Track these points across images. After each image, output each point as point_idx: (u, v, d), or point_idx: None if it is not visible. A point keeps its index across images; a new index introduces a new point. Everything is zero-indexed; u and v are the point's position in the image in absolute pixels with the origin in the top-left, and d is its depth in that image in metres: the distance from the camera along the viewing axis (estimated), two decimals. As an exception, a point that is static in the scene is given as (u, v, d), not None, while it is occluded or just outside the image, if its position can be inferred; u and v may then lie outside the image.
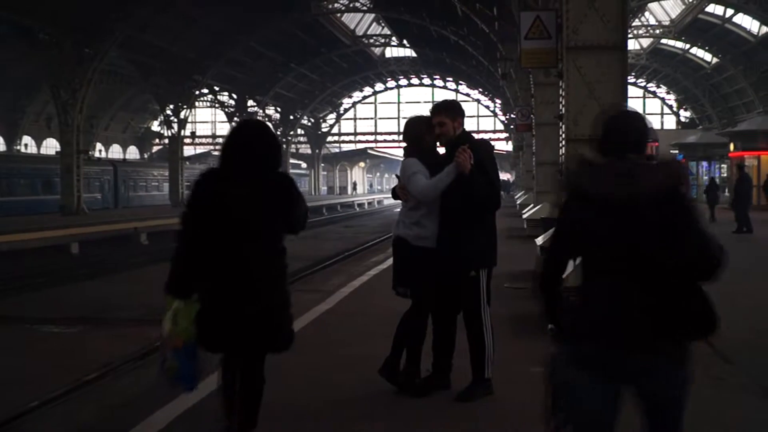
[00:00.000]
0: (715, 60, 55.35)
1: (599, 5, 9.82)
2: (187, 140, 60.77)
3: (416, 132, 5.81)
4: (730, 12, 46.31)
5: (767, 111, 46.10)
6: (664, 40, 55.78)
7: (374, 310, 9.53)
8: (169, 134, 52.50)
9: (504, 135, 70.22)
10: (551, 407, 3.37)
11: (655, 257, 2.93)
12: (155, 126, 78.97)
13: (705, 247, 2.93)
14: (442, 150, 5.83)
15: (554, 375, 3.39)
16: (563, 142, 10.17)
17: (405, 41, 60.47)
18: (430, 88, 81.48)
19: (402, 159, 5.97)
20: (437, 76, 77.56)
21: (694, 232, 2.95)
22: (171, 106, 50.53)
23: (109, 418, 5.62)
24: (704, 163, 44.27)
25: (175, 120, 50.89)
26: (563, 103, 10.20)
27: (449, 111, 5.75)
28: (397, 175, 5.96)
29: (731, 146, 39.03)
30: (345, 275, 13.88)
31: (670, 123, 71.98)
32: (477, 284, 5.61)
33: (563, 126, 10.21)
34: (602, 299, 3.09)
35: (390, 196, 6.72)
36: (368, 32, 60.93)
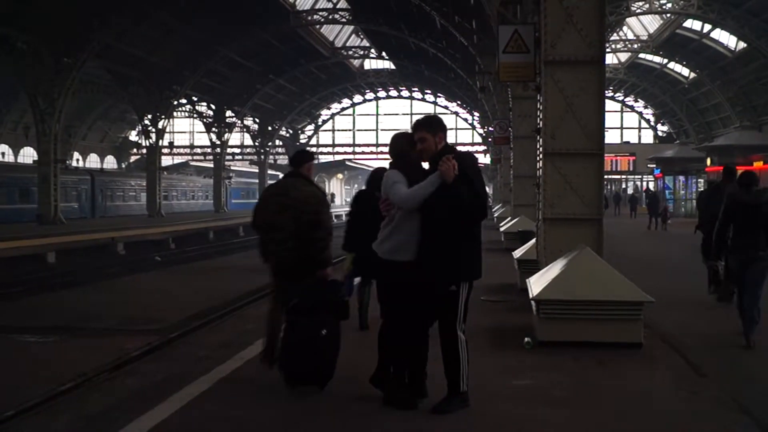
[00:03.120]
0: (692, 75, 55.78)
1: (577, 20, 9.86)
2: (165, 150, 60.46)
3: (400, 148, 5.87)
4: (707, 27, 46.70)
5: (744, 126, 46.54)
6: (642, 55, 56.22)
7: (354, 320, 9.47)
8: (147, 144, 52.26)
9: (482, 148, 70.28)
10: (727, 278, 9.24)
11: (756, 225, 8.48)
12: (133, 136, 78.59)
13: None
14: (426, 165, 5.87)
15: (729, 265, 8.96)
16: (540, 156, 10.19)
17: (384, 53, 60.53)
18: (409, 101, 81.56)
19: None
20: (416, 89, 77.66)
21: None
22: (149, 116, 50.30)
23: (85, 428, 5.55)
24: (681, 177, 44.69)
25: (153, 130, 50.67)
26: (541, 117, 10.23)
27: (429, 126, 5.77)
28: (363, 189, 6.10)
29: (708, 161, 39.40)
30: (323, 287, 13.81)
31: (648, 137, 72.46)
32: (456, 299, 5.58)
33: (541, 140, 10.23)
34: (740, 240, 8.59)
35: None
36: (347, 44, 60.90)
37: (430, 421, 5.47)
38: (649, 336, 8.15)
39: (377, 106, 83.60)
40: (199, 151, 79.21)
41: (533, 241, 12.46)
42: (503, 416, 5.64)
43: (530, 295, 8.34)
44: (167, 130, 55.34)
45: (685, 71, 56.76)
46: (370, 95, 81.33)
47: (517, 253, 12.77)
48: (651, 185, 54.31)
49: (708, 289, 11.67)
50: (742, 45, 45.32)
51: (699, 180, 41.84)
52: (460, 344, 5.61)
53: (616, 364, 7.29)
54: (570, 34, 9.85)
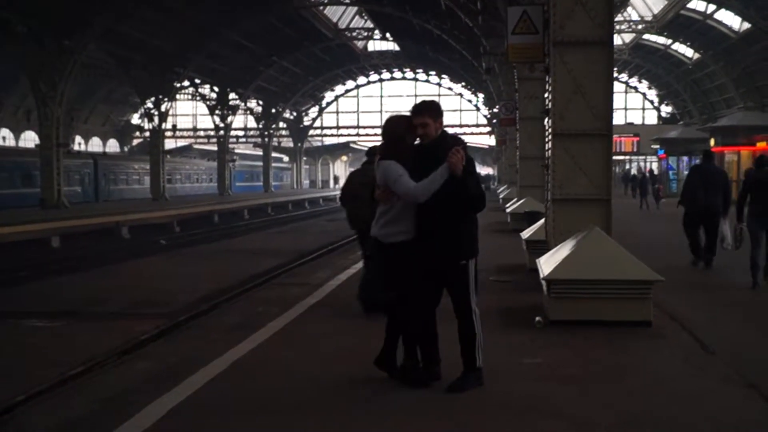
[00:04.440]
0: (696, 56, 55.57)
1: (586, 0, 9.84)
2: (168, 133, 60.46)
3: (397, 131, 5.79)
4: (712, 8, 46.43)
5: (747, 107, 46.43)
6: (646, 36, 55.96)
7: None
8: (150, 127, 52.21)
9: (486, 129, 70.31)
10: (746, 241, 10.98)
11: None
12: (135, 119, 78.48)
13: None
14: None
15: (750, 228, 10.82)
16: (550, 137, 10.19)
17: (388, 34, 60.37)
18: (413, 82, 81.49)
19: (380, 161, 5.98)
20: (420, 70, 77.53)
21: None
22: (152, 99, 50.23)
23: (102, 410, 5.59)
24: (685, 158, 44.57)
25: (156, 113, 50.60)
26: (550, 98, 10.20)
27: (432, 112, 5.76)
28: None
29: (712, 141, 39.25)
30: (331, 268, 13.87)
31: (652, 118, 72.31)
32: (466, 272, 5.70)
33: (550, 121, 10.22)
34: (759, 207, 10.76)
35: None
36: (351, 25, 60.74)
37: (444, 399, 5.52)
38: (658, 314, 8.19)
39: (381, 88, 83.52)
40: (202, 134, 79.18)
41: (541, 221, 12.47)
42: (515, 394, 5.68)
43: (541, 275, 8.38)
44: (170, 113, 55.27)
45: (689, 52, 56.53)
46: (374, 77, 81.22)
47: (526, 234, 12.79)
48: (654, 166, 54.31)
49: (692, 257, 13.24)
50: (746, 25, 45.07)
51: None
52: (475, 317, 5.72)
53: (625, 342, 7.34)
54: (579, 14, 9.82)
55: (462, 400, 5.51)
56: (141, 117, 61.79)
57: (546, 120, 10.67)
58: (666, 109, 70.68)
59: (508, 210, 21.92)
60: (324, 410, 5.40)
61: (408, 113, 5.85)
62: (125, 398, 5.78)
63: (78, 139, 67.90)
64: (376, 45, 69.21)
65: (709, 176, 13.15)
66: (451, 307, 5.81)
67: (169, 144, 65.01)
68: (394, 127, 5.84)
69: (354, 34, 61.90)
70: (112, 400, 5.80)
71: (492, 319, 7.81)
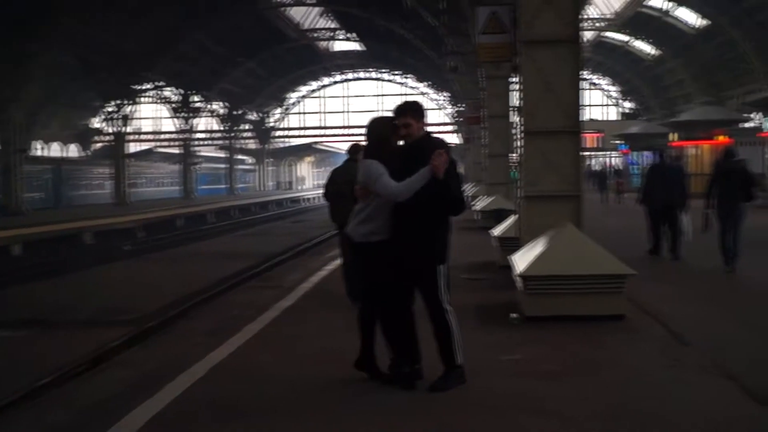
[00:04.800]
0: (656, 52, 56.38)
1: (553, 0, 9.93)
2: (131, 137, 59.86)
3: (382, 133, 5.81)
4: (670, 5, 47.23)
5: (706, 102, 47.15)
6: (606, 33, 56.58)
7: (336, 305, 9.52)
8: (112, 131, 51.65)
9: (451, 128, 70.46)
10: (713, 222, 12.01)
11: (739, 187, 11.80)
12: (97, 123, 77.50)
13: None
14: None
15: (718, 215, 11.89)
16: (521, 135, 10.25)
17: (352, 35, 60.35)
18: (377, 82, 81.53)
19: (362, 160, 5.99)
20: (384, 70, 77.59)
21: (751, 182, 12.08)
22: (114, 103, 49.69)
23: (83, 419, 5.53)
24: (646, 153, 45.09)
25: (118, 117, 50.08)
26: (520, 96, 10.28)
27: (415, 112, 5.79)
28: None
29: (673, 136, 39.83)
30: (302, 271, 13.81)
31: (613, 114, 73.10)
32: (436, 274, 5.71)
33: (521, 119, 10.30)
34: (725, 195, 11.80)
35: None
36: (315, 26, 60.60)
37: (427, 398, 5.54)
38: (630, 307, 8.31)
39: (346, 88, 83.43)
40: (165, 137, 78.48)
41: (512, 218, 12.56)
42: (497, 391, 5.72)
43: (515, 272, 8.45)
44: (132, 116, 54.74)
45: (649, 48, 57.34)
46: (338, 77, 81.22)
47: (497, 231, 12.85)
48: (617, 161, 55.04)
49: (649, 249, 14.02)
50: (704, 22, 45.90)
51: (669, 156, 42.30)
52: (448, 315, 5.73)
53: (601, 336, 7.43)
54: (547, 14, 9.89)
55: (444, 398, 5.52)
56: (103, 121, 61.10)
57: (517, 118, 10.74)
58: (627, 105, 71.46)
59: (476, 208, 22.00)
60: (307, 412, 5.39)
61: (391, 114, 5.87)
62: (106, 406, 5.70)
63: (38, 144, 66.87)
64: (341, 45, 69.20)
65: (667, 174, 14.08)
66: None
67: (132, 148, 64.37)
68: (378, 128, 5.86)
69: (318, 34, 61.79)
70: (93, 409, 5.72)
71: (468, 317, 7.82)
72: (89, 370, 7.81)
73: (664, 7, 48.17)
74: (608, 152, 61.19)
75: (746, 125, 39.21)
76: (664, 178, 13.94)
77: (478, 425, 5.06)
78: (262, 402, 5.64)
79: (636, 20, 51.02)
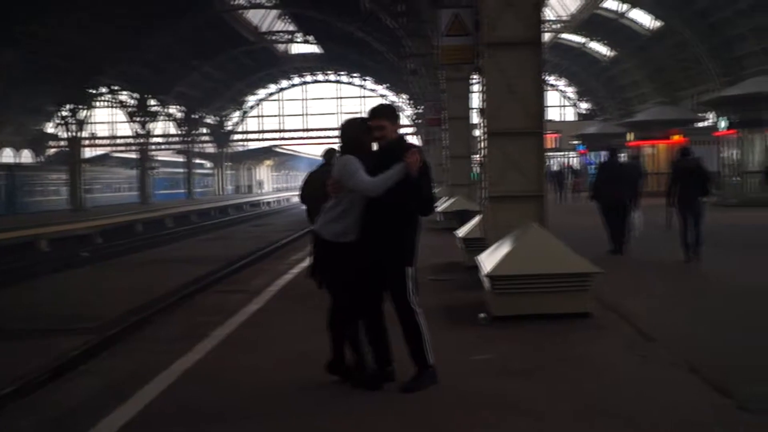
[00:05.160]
0: (611, 53, 57.15)
1: (515, 2, 10.01)
2: (86, 142, 59.12)
3: (355, 135, 5.84)
4: (625, 7, 47.96)
5: (661, 102, 47.95)
6: (563, 35, 57.15)
7: (306, 307, 9.48)
8: (67, 136, 50.97)
9: (411, 130, 70.65)
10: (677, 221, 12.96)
11: (696, 184, 12.74)
12: (51, 128, 76.42)
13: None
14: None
15: (678, 211, 12.82)
16: (485, 136, 10.33)
17: (310, 37, 60.25)
18: (336, 84, 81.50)
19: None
20: (343, 72, 77.60)
21: (706, 178, 13.02)
22: (69, 107, 49.03)
23: (52, 430, 5.46)
24: (604, 153, 45.64)
25: (73, 121, 49.42)
26: (483, 98, 10.36)
27: (390, 115, 5.86)
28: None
29: (630, 136, 40.42)
30: (268, 274, 13.72)
31: (570, 115, 73.88)
32: (404, 276, 5.74)
33: (484, 120, 10.37)
34: (684, 192, 12.70)
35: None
36: (272, 29, 60.37)
37: (400, 399, 5.55)
38: (596, 305, 8.41)
39: (304, 91, 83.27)
40: (121, 141, 77.61)
41: (476, 219, 12.64)
42: (470, 390, 5.75)
43: (482, 272, 8.50)
44: (88, 121, 54.06)
45: (605, 50, 58.12)
46: (297, 80, 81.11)
47: (461, 232, 12.91)
48: (575, 161, 55.62)
49: (609, 245, 14.23)
50: (658, 23, 46.66)
51: (621, 154, 42.83)
52: (417, 316, 5.75)
53: (569, 334, 7.52)
54: (509, 16, 9.98)
55: (417, 398, 5.54)
56: (57, 126, 60.26)
57: (480, 119, 10.80)
58: (584, 106, 72.26)
59: (438, 209, 22.07)
60: (279, 416, 5.37)
61: (365, 116, 5.90)
62: (75, 416, 5.63)
63: (-10, 149, 65.81)
64: (299, 48, 69.12)
65: (618, 171, 14.92)
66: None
67: (88, 153, 63.58)
68: (352, 129, 5.89)
69: (276, 37, 61.57)
70: (62, 419, 5.65)
71: (436, 318, 7.85)
72: (54, 380, 7.71)
73: (619, 9, 48.85)
74: (566, 152, 61.75)
75: (701, 125, 39.92)
76: (613, 176, 14.58)
77: (453, 424, 5.09)
78: (234, 408, 5.60)
79: (592, 22, 51.69)
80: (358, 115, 6.20)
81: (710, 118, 40.42)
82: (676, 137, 36.11)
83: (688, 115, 41.09)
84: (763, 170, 13.83)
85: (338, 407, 5.48)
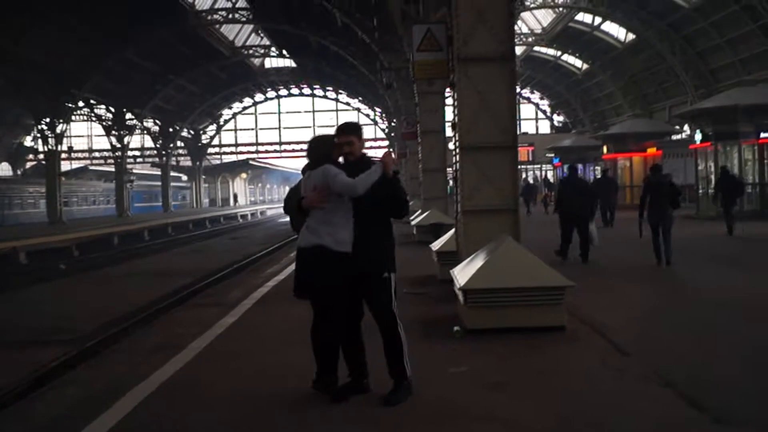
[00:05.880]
0: (585, 66, 57.55)
1: (487, 18, 10.16)
2: (64, 155, 58.80)
3: (325, 151, 5.98)
4: (598, 20, 48.34)
5: (636, 114, 48.35)
6: (536, 48, 57.58)
7: (281, 320, 9.61)
8: (45, 149, 50.74)
9: (386, 143, 70.83)
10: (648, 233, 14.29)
11: (663, 196, 14.01)
12: (28, 141, 75.96)
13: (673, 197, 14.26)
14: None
15: (649, 222, 14.13)
16: (457, 150, 10.47)
17: (284, 51, 60.32)
18: (311, 98, 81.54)
19: (299, 172, 6.17)
20: (317, 86, 77.62)
21: (676, 192, 14.33)
22: (46, 121, 48.83)
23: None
24: (579, 166, 45.94)
25: (51, 135, 49.22)
26: (456, 112, 10.50)
27: (357, 132, 6.09)
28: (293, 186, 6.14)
29: (604, 149, 40.73)
30: (243, 288, 13.78)
31: (545, 128, 74.21)
32: (389, 284, 5.92)
33: (457, 135, 10.51)
34: (655, 205, 14.07)
35: (281, 208, 7.00)
36: (247, 43, 60.36)
37: (379, 411, 5.66)
38: (571, 319, 8.53)
39: (279, 105, 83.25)
40: (98, 155, 77.22)
41: (451, 232, 12.75)
42: (447, 402, 5.87)
43: (456, 286, 8.61)
44: (65, 134, 53.83)
45: (578, 63, 58.50)
46: (271, 94, 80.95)
47: (436, 246, 13.04)
48: (550, 174, 56.00)
49: (558, 253, 15.51)
50: (631, 36, 47.05)
51: (596, 167, 43.16)
52: (399, 326, 5.94)
53: (543, 347, 7.62)
54: (481, 32, 10.14)
55: (396, 410, 5.66)
56: (35, 139, 59.89)
57: (453, 133, 10.94)
58: (558, 119, 72.68)
59: (413, 222, 22.20)
60: (259, 428, 5.46)
61: (332, 133, 6.06)
62: (56, 426, 5.71)
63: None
64: (273, 62, 69.08)
65: (578, 186, 16.29)
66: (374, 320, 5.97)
67: (65, 166, 63.21)
68: (323, 146, 6.04)
69: (251, 51, 61.56)
70: (43, 429, 5.72)
71: (411, 331, 7.90)
72: (33, 391, 7.75)
73: (593, 22, 49.23)
74: (540, 165, 62.08)
75: (676, 137, 40.25)
76: (575, 190, 15.94)
77: (433, 433, 5.19)
78: (215, 418, 5.68)
79: (565, 35, 52.03)
80: (325, 132, 6.34)
81: (685, 130, 40.76)
82: (651, 150, 36.50)
83: (663, 128, 41.47)
84: (713, 190, 15.02)
85: (314, 420, 5.56)
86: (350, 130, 6.05)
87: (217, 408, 5.93)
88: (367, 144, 76.77)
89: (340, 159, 5.96)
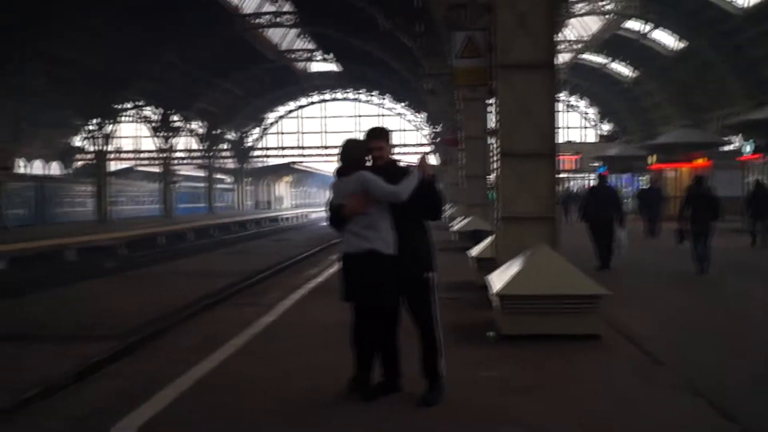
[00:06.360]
0: (634, 74, 56.94)
1: (528, 25, 10.20)
2: (112, 155, 59.83)
3: (358, 155, 6.11)
4: (648, 27, 47.77)
5: (685, 124, 47.67)
6: (584, 55, 57.14)
7: (318, 321, 9.78)
8: (94, 150, 51.68)
9: (429, 149, 70.82)
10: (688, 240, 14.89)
11: (707, 208, 14.64)
12: (78, 141, 77.35)
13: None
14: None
15: (691, 230, 14.72)
16: (498, 157, 10.51)
17: (329, 55, 60.65)
18: (355, 102, 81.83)
19: (334, 174, 6.27)
20: (361, 90, 77.90)
21: (717, 204, 14.86)
22: (95, 122, 49.75)
23: (76, 428, 5.72)
24: (624, 176, 45.51)
25: (100, 135, 50.12)
26: (497, 119, 10.54)
27: (387, 137, 6.24)
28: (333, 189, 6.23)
29: (651, 159, 40.11)
30: (282, 289, 13.96)
31: (592, 136, 73.52)
32: (430, 283, 6.08)
33: (497, 141, 10.56)
34: (696, 214, 14.70)
35: (325, 212, 7.06)
36: (292, 47, 60.89)
37: (412, 411, 5.77)
38: (606, 327, 8.52)
39: (323, 108, 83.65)
40: (145, 155, 78.31)
41: (489, 239, 12.79)
42: (476, 405, 5.95)
43: (492, 291, 8.66)
44: (113, 135, 54.78)
45: (627, 71, 57.91)
46: (315, 97, 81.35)
47: (474, 252, 13.08)
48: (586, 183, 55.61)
49: (595, 259, 15.84)
50: (681, 44, 46.41)
51: (642, 177, 42.59)
52: (437, 327, 6.09)
53: (576, 355, 7.64)
54: (522, 39, 10.18)
55: (427, 409, 5.76)
56: (84, 139, 60.97)
57: (493, 140, 10.98)
58: (605, 127, 71.96)
59: (454, 228, 22.23)
60: (295, 424, 5.58)
61: (363, 137, 6.21)
62: (98, 416, 5.89)
63: (21, 162, 66.66)
64: (318, 66, 69.47)
65: (602, 195, 16.50)
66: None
67: (113, 166, 64.29)
68: (355, 150, 6.14)
69: (295, 55, 62.03)
70: (86, 418, 5.91)
71: (446, 335, 7.98)
72: (77, 382, 7.95)
73: (642, 30, 48.71)
74: (586, 174, 61.46)
75: (726, 148, 39.54)
76: (600, 199, 16.29)
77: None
78: (251, 413, 5.82)
79: (613, 42, 51.55)
80: (355, 136, 6.47)
81: (736, 141, 40.07)
82: (699, 161, 35.87)
83: (713, 138, 40.66)
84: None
85: (347, 416, 5.67)
86: (380, 134, 6.20)
87: (251, 403, 6.07)
88: (410, 150, 77.16)
89: (369, 162, 6.09)
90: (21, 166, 64.88)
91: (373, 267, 5.87)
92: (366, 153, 6.09)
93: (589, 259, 15.52)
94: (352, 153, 6.12)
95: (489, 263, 11.29)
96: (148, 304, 15.97)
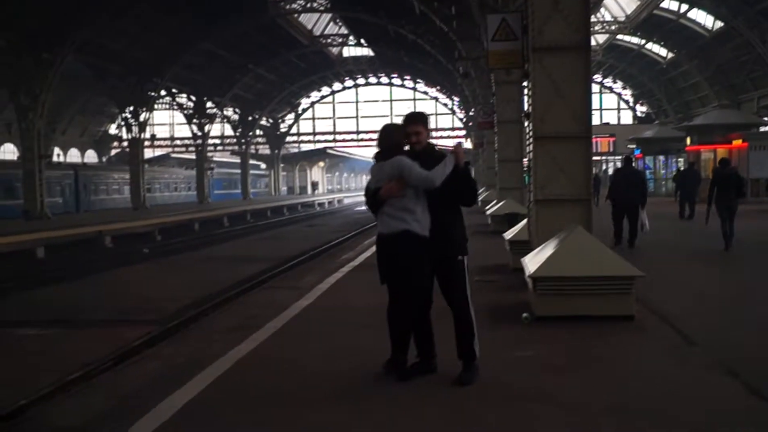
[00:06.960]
0: (670, 55, 56.28)
1: (563, 7, 10.14)
2: (147, 143, 60.49)
3: (397, 140, 6.18)
4: (684, 7, 47.15)
5: (722, 105, 47.00)
6: (619, 36, 56.59)
7: (353, 304, 9.89)
8: (129, 137, 52.26)
9: (462, 132, 70.67)
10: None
11: (729, 187, 15.32)
12: (113, 129, 78.29)
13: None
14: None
15: (717, 210, 15.38)
16: (531, 140, 10.51)
17: (362, 40, 60.67)
18: (388, 87, 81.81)
19: (372, 160, 6.38)
20: (395, 75, 77.86)
21: (741, 184, 15.90)
22: (130, 109, 50.27)
23: (120, 405, 5.89)
24: (661, 157, 45.03)
25: (135, 123, 50.64)
26: (530, 102, 10.52)
27: (424, 121, 6.29)
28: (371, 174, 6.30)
29: (688, 140, 39.66)
30: (318, 273, 14.09)
31: (627, 118, 72.94)
32: (463, 267, 6.17)
33: (530, 124, 10.55)
34: (722, 195, 15.31)
35: (363, 196, 7.13)
36: (325, 32, 60.99)
37: (446, 390, 5.86)
38: (640, 308, 8.53)
39: (357, 93, 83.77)
40: (180, 142, 79.06)
41: (523, 222, 12.79)
42: (511, 383, 6.03)
43: (526, 274, 8.70)
44: (148, 122, 55.33)
45: (663, 51, 57.33)
46: (349, 83, 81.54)
47: (508, 235, 13.09)
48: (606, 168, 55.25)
49: (613, 240, 16.02)
50: (718, 24, 45.75)
51: (679, 159, 42.13)
52: (471, 308, 6.16)
53: (610, 336, 7.65)
54: (556, 20, 10.12)
55: (462, 389, 5.85)
56: (118, 127, 61.73)
57: (526, 123, 10.97)
58: (641, 109, 71.34)
59: (488, 212, 22.19)
60: (329, 402, 5.67)
61: (401, 122, 6.25)
62: (142, 395, 6.05)
63: (56, 150, 67.63)
64: (351, 51, 69.63)
65: (628, 177, 16.99)
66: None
67: (148, 153, 64.98)
68: (394, 135, 6.22)
69: (329, 40, 62.14)
70: (130, 397, 6.08)
71: (481, 317, 8.01)
72: (119, 364, 8.16)
73: (679, 10, 48.08)
74: (621, 156, 60.89)
75: (763, 129, 38.93)
76: (626, 181, 16.75)
77: (493, 412, 5.36)
78: (290, 392, 5.94)
79: (649, 23, 50.99)
80: (394, 121, 6.54)
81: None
82: (736, 142, 35.41)
83: (751, 119, 40.11)
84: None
85: (385, 395, 5.78)
86: (418, 119, 6.26)
87: (289, 383, 6.18)
88: (445, 133, 77.07)
89: (407, 147, 6.15)
90: (57, 155, 65.81)
91: (407, 247, 5.96)
92: (404, 138, 6.15)
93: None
94: (390, 138, 6.21)
95: (523, 246, 11.31)
96: (186, 289, 16.23)
